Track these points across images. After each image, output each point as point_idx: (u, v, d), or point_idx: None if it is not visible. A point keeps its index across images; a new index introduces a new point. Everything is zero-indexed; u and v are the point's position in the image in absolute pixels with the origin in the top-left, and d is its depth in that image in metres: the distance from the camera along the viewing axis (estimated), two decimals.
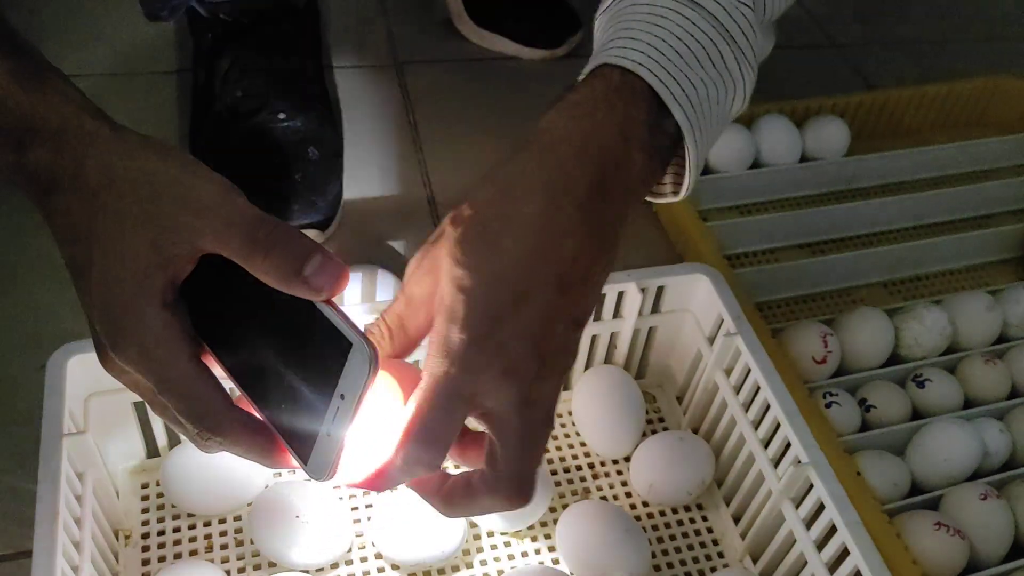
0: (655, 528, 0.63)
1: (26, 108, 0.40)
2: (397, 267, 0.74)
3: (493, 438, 0.42)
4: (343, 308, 0.39)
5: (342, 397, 0.38)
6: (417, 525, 0.57)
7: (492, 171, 0.44)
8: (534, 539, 0.62)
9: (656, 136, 0.44)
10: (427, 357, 0.41)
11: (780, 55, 1.14)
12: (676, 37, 0.45)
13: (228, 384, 0.42)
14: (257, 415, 0.42)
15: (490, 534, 0.61)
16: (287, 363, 0.40)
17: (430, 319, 0.43)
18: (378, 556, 0.59)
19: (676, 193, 0.49)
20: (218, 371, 0.42)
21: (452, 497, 0.44)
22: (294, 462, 0.41)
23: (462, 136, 0.96)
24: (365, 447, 0.41)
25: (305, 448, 0.40)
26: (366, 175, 0.87)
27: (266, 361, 0.41)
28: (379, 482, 0.42)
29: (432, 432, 0.40)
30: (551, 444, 0.67)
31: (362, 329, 0.38)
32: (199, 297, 0.41)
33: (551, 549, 0.61)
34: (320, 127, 0.83)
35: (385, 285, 0.71)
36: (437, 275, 0.42)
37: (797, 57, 1.14)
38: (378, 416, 0.41)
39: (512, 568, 0.60)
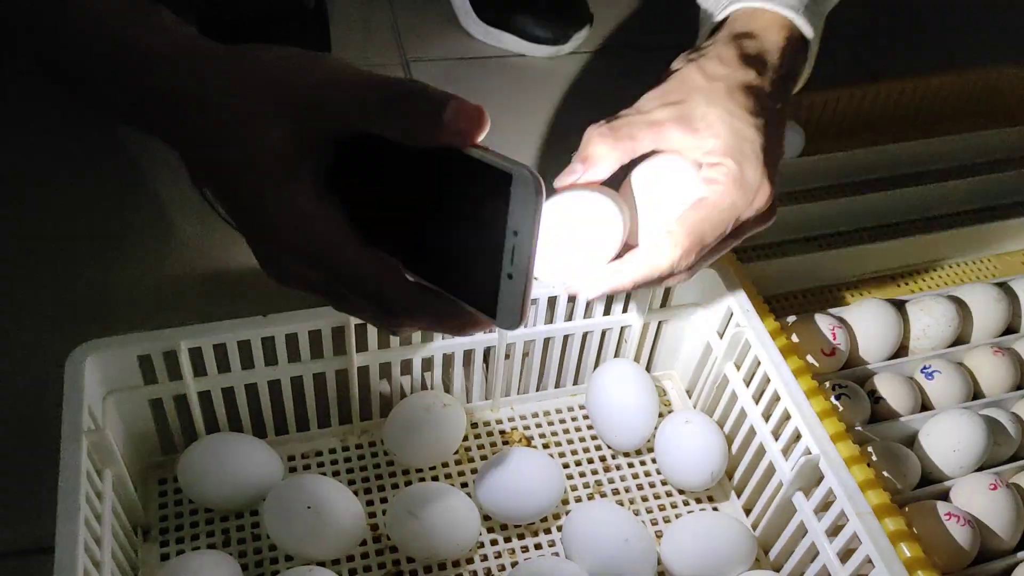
0: (666, 520, 0.64)
1: (138, 40, 0.41)
2: None
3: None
4: (487, 147, 0.38)
5: (515, 234, 0.37)
6: (432, 517, 0.58)
7: (721, 42, 0.52)
8: (547, 531, 0.62)
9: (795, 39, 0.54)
10: (711, 183, 0.48)
11: None
12: None
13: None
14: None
15: (503, 527, 0.62)
16: (451, 222, 0.39)
17: (658, 142, 0.49)
18: (393, 549, 0.60)
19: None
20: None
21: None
22: (483, 320, 0.41)
23: None
24: (591, 256, 0.47)
25: (490, 303, 0.39)
26: None
27: (429, 229, 0.40)
28: (644, 280, 0.48)
29: (709, 240, 0.48)
30: (563, 438, 0.68)
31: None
32: (346, 191, 0.40)
33: (564, 541, 0.62)
34: None
35: None
36: (687, 114, 0.49)
37: None
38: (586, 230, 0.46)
39: (525, 560, 0.60)
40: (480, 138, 0.38)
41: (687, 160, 0.50)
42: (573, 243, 0.47)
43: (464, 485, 0.64)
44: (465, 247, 0.39)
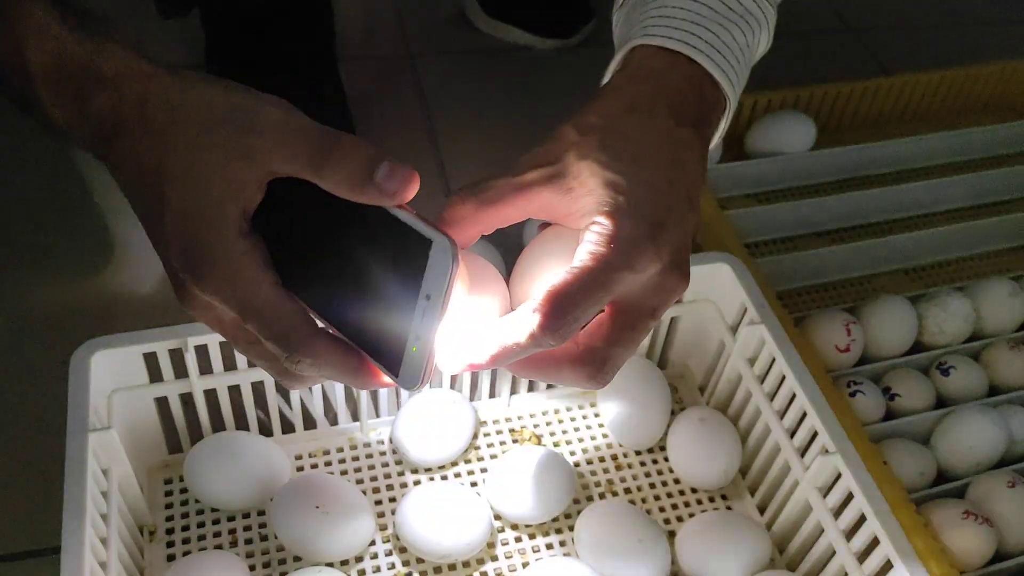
0: (679, 519, 0.63)
1: (84, 58, 0.41)
2: None
3: (605, 320, 0.44)
4: (413, 210, 0.39)
5: (428, 298, 0.38)
6: (442, 517, 0.57)
7: (607, 91, 0.47)
8: (559, 531, 0.61)
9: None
10: (584, 244, 0.42)
11: (795, 41, 1.14)
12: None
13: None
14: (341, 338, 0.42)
15: (514, 527, 0.61)
16: (366, 277, 0.40)
17: (528, 208, 0.44)
18: (402, 549, 0.59)
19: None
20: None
21: (534, 360, 0.44)
22: (385, 378, 0.41)
23: (476, 126, 0.95)
24: (461, 332, 0.42)
25: (394, 361, 0.40)
26: None
27: (344, 280, 0.40)
28: (502, 357, 0.42)
29: (578, 309, 0.41)
30: (574, 436, 0.67)
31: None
32: (270, 229, 0.41)
33: (575, 541, 0.61)
34: (335, 119, 0.82)
35: None
36: (561, 175, 0.43)
37: (812, 43, 1.14)
38: (469, 302, 0.42)
39: (537, 560, 0.59)
40: (408, 200, 0.38)
41: (572, 225, 0.44)
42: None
43: (474, 484, 0.63)
44: (378, 303, 0.40)
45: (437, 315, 0.38)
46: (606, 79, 0.50)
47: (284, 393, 0.61)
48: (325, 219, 0.40)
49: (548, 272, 0.43)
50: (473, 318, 0.42)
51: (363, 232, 0.39)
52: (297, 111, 0.40)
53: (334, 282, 0.41)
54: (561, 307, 0.40)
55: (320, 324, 0.42)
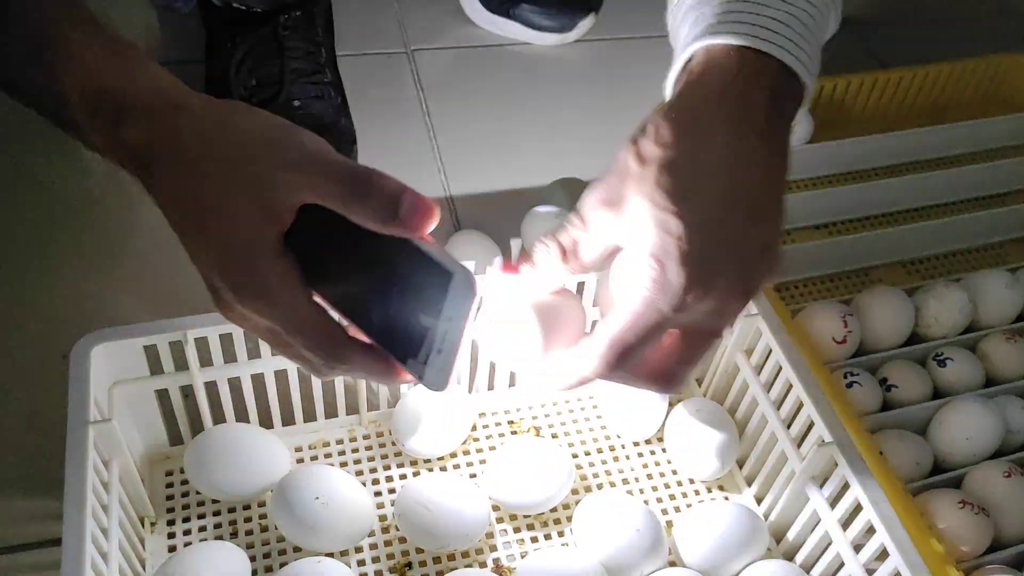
0: (677, 510, 0.63)
1: (117, 87, 0.43)
2: None
3: (670, 341, 0.47)
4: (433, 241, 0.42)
5: (449, 320, 0.41)
6: (440, 508, 0.57)
7: (672, 105, 0.45)
8: (557, 522, 0.62)
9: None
10: (636, 288, 0.44)
11: None
12: None
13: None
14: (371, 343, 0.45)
15: (513, 517, 0.62)
16: (393, 297, 0.43)
17: (605, 250, 0.46)
18: (402, 540, 0.59)
19: None
20: (329, 308, 0.45)
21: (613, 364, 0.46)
22: (411, 377, 0.45)
23: (476, 122, 0.96)
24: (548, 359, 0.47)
25: (420, 365, 0.43)
26: (381, 162, 0.86)
27: (372, 295, 0.44)
28: (576, 387, 0.47)
29: (634, 351, 0.44)
30: (572, 427, 0.67)
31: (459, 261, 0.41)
32: (303, 242, 0.43)
33: (574, 532, 0.61)
34: (335, 115, 0.83)
35: None
36: (622, 211, 0.44)
37: None
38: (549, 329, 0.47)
39: (535, 551, 0.60)
40: (429, 230, 0.42)
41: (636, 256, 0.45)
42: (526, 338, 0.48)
43: (473, 475, 0.63)
44: (404, 319, 0.43)
45: (458, 335, 0.41)
46: (669, 83, 0.48)
47: (283, 386, 0.61)
48: (355, 241, 0.43)
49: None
50: (554, 345, 0.47)
51: (391, 256, 0.42)
52: (328, 147, 0.43)
53: (365, 296, 0.44)
54: (618, 352, 0.44)
55: (345, 322, 0.45)
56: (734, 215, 0.43)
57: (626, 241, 0.45)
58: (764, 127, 0.44)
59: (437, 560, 0.59)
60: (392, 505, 0.61)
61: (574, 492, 0.63)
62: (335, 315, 0.45)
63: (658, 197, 0.43)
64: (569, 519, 0.61)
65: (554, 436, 0.67)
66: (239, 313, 0.44)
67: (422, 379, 0.43)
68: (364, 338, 0.45)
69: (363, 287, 0.44)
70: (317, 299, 0.44)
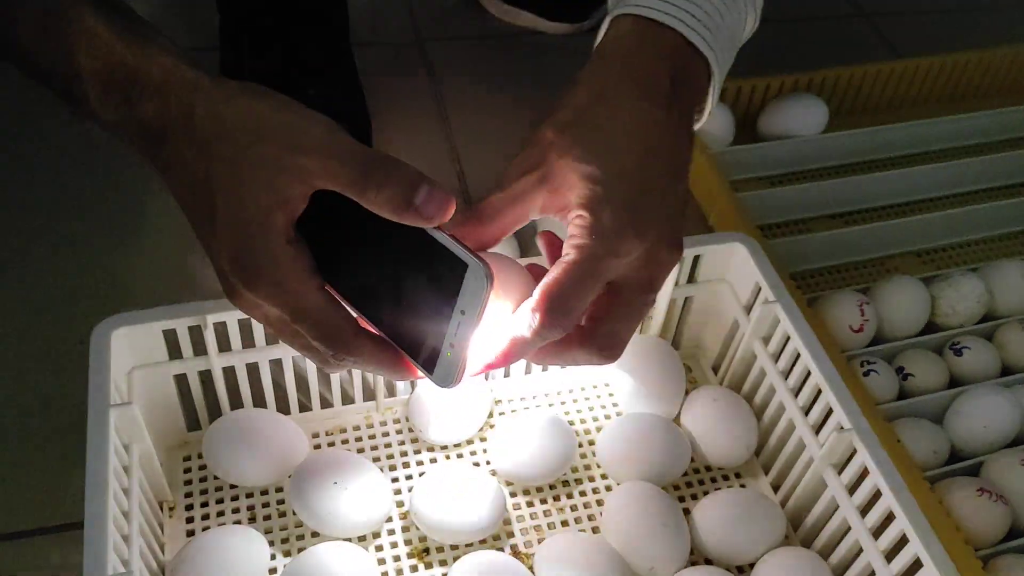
0: (694, 497, 0.63)
1: (131, 63, 0.42)
2: None
3: (605, 299, 0.46)
4: (449, 232, 0.41)
5: (463, 313, 0.40)
6: (459, 494, 0.57)
7: (578, 79, 0.48)
8: (573, 508, 0.62)
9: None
10: (570, 239, 0.44)
11: (807, 25, 1.14)
12: None
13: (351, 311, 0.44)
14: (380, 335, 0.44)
15: (530, 504, 0.62)
16: (406, 288, 0.42)
17: (526, 213, 0.47)
18: (418, 527, 0.60)
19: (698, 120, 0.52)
20: (339, 300, 0.44)
21: (546, 349, 0.46)
22: (420, 373, 0.44)
23: (489, 110, 0.95)
24: (484, 337, 0.44)
25: (430, 361, 0.43)
26: (394, 150, 0.87)
27: (384, 286, 0.43)
28: (512, 355, 0.45)
29: (572, 301, 0.44)
30: (588, 415, 0.67)
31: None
32: (315, 231, 0.42)
33: (591, 519, 0.61)
34: (349, 103, 0.83)
35: None
36: (545, 177, 0.45)
37: (824, 27, 1.13)
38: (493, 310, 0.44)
39: (552, 537, 0.60)
40: (444, 221, 0.41)
41: (566, 220, 0.46)
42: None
43: (488, 463, 0.63)
44: (416, 311, 0.42)
45: (471, 330, 0.41)
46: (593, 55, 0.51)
47: (301, 372, 0.61)
48: (367, 224, 0.41)
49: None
50: (497, 319, 0.44)
51: (405, 246, 0.41)
52: (342, 131, 0.41)
53: (377, 287, 0.43)
54: (556, 303, 0.43)
55: (355, 314, 0.44)
56: (655, 168, 0.45)
57: (552, 206, 0.46)
58: (670, 93, 0.46)
59: (454, 546, 0.59)
60: (409, 491, 0.61)
61: (591, 480, 0.63)
62: (346, 307, 0.44)
63: (580, 153, 0.44)
64: (586, 506, 0.61)
65: (571, 424, 0.67)
66: (247, 299, 0.43)
67: (432, 375, 0.43)
68: (375, 331, 0.44)
69: (375, 278, 0.43)
70: (328, 289, 0.44)
